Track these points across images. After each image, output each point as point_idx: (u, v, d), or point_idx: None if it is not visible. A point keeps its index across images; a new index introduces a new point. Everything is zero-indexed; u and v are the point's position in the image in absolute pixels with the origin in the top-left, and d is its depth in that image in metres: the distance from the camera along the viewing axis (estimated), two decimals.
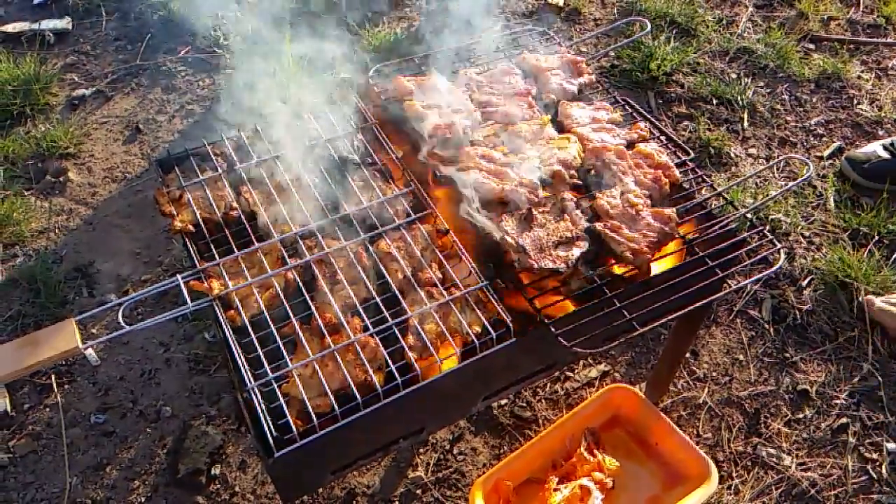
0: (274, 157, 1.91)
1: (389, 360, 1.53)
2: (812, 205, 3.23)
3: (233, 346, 1.54)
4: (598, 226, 1.75)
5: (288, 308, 1.60)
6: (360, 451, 1.66)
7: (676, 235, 1.78)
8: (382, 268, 1.70)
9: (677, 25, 4.11)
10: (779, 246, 1.81)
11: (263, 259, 1.70)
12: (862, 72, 3.92)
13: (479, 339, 1.57)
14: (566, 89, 2.16)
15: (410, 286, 1.67)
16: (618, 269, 1.77)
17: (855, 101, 3.74)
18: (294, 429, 1.41)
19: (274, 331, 1.57)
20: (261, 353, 1.52)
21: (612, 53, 3.91)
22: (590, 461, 2.17)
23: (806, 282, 2.93)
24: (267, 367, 1.50)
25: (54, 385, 2.59)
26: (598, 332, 1.59)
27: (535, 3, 4.35)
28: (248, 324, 1.58)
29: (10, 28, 3.99)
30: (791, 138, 3.57)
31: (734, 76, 3.85)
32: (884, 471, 2.42)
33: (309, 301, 1.63)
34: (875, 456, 2.46)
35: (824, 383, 2.64)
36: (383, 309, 1.63)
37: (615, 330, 1.63)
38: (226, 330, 1.57)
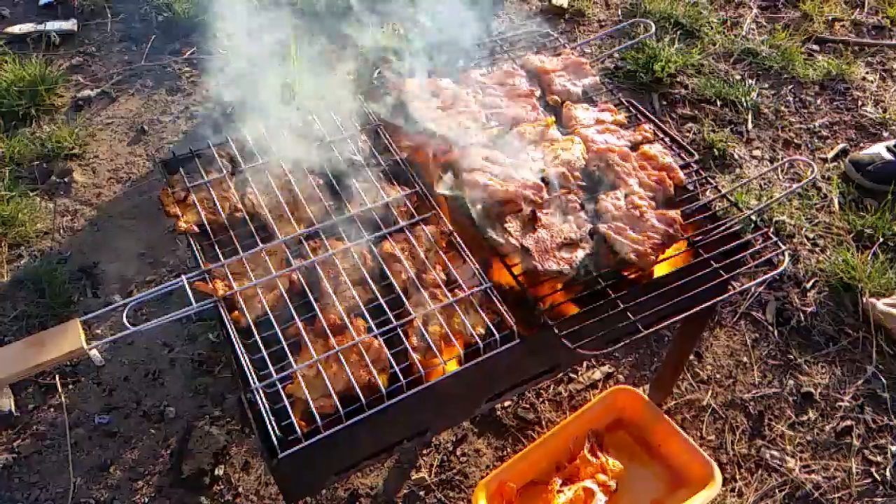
0: (279, 158, 1.91)
1: (393, 362, 1.54)
2: (816, 207, 3.23)
3: (237, 346, 1.54)
4: (603, 227, 1.75)
5: (292, 309, 1.61)
6: (364, 453, 1.66)
7: (681, 237, 1.78)
8: (386, 269, 1.70)
9: (681, 27, 4.10)
10: (783, 248, 1.81)
11: (268, 260, 1.70)
12: (867, 73, 3.92)
13: (482, 340, 1.57)
14: (570, 91, 2.16)
15: (414, 287, 1.67)
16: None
17: (860, 103, 3.74)
18: (298, 430, 1.41)
19: (278, 332, 1.57)
20: (265, 354, 1.52)
21: (616, 55, 3.91)
22: (593, 463, 2.17)
23: (810, 284, 2.93)
24: (271, 368, 1.50)
25: (59, 385, 2.60)
26: (602, 334, 1.59)
27: (539, 4, 4.35)
28: (252, 325, 1.58)
29: (17, 29, 4.01)
30: (795, 140, 3.56)
31: (738, 78, 3.84)
32: (888, 473, 2.42)
33: (313, 302, 1.64)
34: (879, 459, 2.46)
35: (828, 386, 2.64)
36: (387, 310, 1.63)
37: (619, 332, 1.63)
38: (230, 331, 1.58)
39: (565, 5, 4.27)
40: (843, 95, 3.78)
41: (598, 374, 2.66)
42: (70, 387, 2.61)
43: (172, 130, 3.56)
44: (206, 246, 1.77)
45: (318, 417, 1.42)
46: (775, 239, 1.83)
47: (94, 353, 2.66)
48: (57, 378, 2.62)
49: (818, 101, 3.75)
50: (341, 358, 1.52)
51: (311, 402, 1.45)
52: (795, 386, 2.64)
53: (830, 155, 3.47)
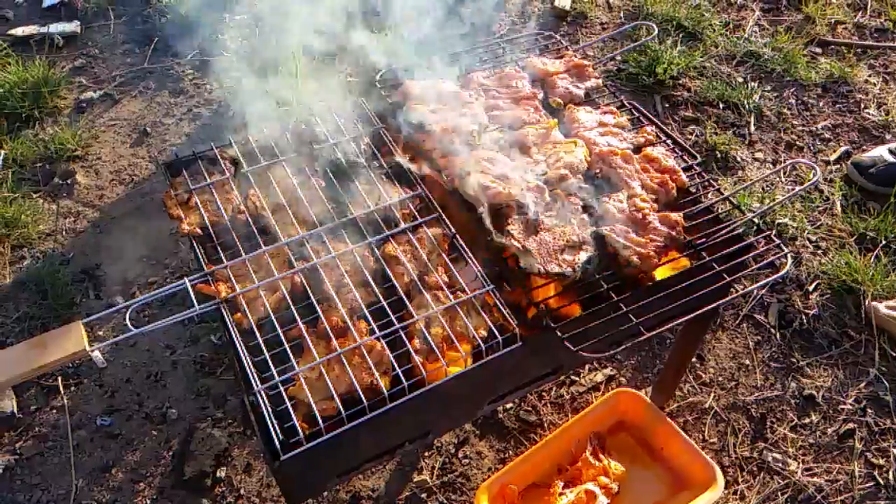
0: (281, 161, 1.91)
1: (395, 364, 1.54)
2: (819, 209, 3.23)
3: (239, 348, 1.55)
4: (605, 230, 1.75)
5: (294, 311, 1.61)
6: (366, 455, 1.66)
7: (683, 240, 1.78)
8: (389, 271, 1.70)
9: (684, 29, 4.10)
10: (786, 250, 1.80)
11: (270, 262, 1.70)
12: (869, 76, 3.91)
13: (485, 342, 1.57)
14: (573, 93, 2.16)
15: (417, 290, 1.67)
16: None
17: (862, 106, 3.73)
18: (300, 432, 1.41)
19: (281, 334, 1.57)
20: (267, 356, 1.52)
21: (619, 57, 3.91)
22: (595, 466, 2.17)
23: (812, 286, 2.92)
24: (273, 370, 1.50)
25: (61, 387, 2.60)
26: (604, 337, 1.59)
27: (541, 7, 4.35)
28: (254, 327, 1.58)
29: (20, 31, 4.01)
30: (798, 142, 3.56)
31: (741, 80, 3.84)
32: (891, 477, 2.41)
33: (315, 304, 1.64)
34: (882, 462, 2.45)
35: (831, 388, 2.63)
36: (389, 313, 1.63)
37: (622, 334, 1.63)
38: (232, 333, 1.58)
39: (568, 8, 4.27)
40: (846, 98, 3.78)
41: (600, 377, 2.66)
42: (72, 388, 2.61)
43: (175, 132, 3.56)
44: (208, 248, 1.78)
45: (320, 419, 1.42)
46: (778, 241, 1.83)
47: (97, 354, 2.67)
48: (59, 380, 2.62)
49: (821, 104, 3.75)
50: (343, 360, 1.52)
51: (313, 405, 1.45)
52: (798, 389, 2.63)
53: (833, 157, 3.47)
